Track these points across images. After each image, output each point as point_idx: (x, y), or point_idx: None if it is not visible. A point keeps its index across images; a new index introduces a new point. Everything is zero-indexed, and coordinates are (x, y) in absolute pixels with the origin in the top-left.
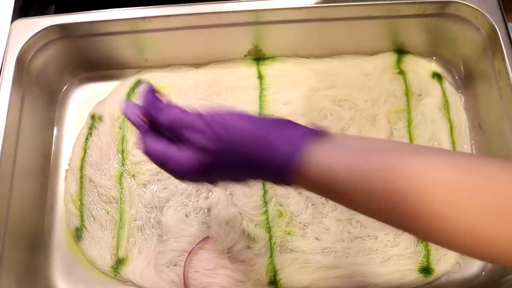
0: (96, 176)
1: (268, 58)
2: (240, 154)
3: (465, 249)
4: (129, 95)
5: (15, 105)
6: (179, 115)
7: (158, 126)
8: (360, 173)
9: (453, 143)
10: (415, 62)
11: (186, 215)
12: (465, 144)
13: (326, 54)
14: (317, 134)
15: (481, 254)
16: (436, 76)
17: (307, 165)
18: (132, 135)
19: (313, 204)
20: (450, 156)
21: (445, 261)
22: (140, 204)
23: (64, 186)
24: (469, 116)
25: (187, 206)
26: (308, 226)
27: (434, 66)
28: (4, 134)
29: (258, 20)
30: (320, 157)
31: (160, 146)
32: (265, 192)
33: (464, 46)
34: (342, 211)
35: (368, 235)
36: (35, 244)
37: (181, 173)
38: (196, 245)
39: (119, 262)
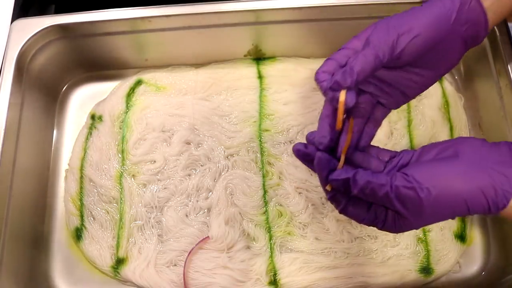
0: (96, 176)
1: (268, 58)
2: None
3: None
4: (129, 95)
5: (15, 105)
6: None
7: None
8: None
9: None
10: None
11: (186, 215)
12: None
13: (326, 54)
14: None
15: None
16: None
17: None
18: (132, 135)
19: (313, 204)
20: None
21: (445, 261)
22: (140, 204)
23: (64, 186)
24: (469, 116)
25: (187, 206)
26: (308, 226)
27: None
28: (4, 134)
29: (258, 20)
30: None
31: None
32: (265, 192)
33: None
34: None
35: (368, 235)
36: (35, 244)
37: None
38: (196, 245)
39: (119, 262)
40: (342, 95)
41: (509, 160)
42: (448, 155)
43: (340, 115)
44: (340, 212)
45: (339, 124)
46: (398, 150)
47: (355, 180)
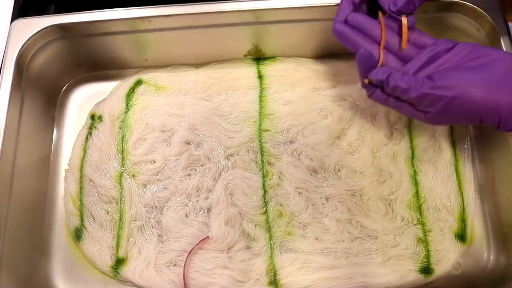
0: (96, 176)
1: (268, 58)
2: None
3: None
4: (129, 95)
5: (15, 105)
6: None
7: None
8: None
9: (453, 143)
10: None
11: (186, 215)
12: (465, 144)
13: (326, 54)
14: None
15: None
16: None
17: None
18: (132, 135)
19: (313, 204)
20: None
21: (445, 261)
22: (140, 204)
23: (64, 186)
24: None
25: (187, 206)
26: (308, 226)
27: None
28: (4, 134)
29: (258, 20)
30: None
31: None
32: (265, 192)
33: None
34: (342, 211)
35: (368, 235)
36: (35, 244)
37: None
38: (196, 245)
39: (119, 262)
40: (404, 19)
41: None
42: (478, 63)
43: (405, 36)
44: (369, 97)
45: (404, 45)
46: (400, 149)
47: (388, 81)
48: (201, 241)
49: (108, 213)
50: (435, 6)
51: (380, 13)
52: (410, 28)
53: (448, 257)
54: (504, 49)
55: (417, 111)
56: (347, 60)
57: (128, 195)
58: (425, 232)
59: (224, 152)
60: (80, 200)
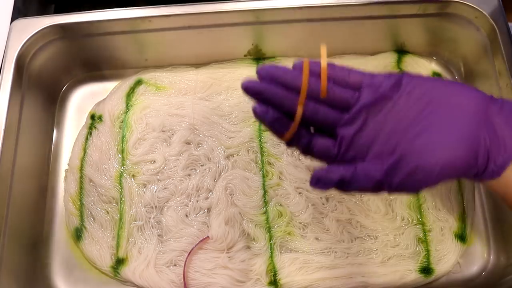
0: (96, 176)
1: (268, 58)
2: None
3: None
4: (129, 95)
5: (15, 105)
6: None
7: None
8: None
9: None
10: (416, 62)
11: (186, 215)
12: None
13: (327, 54)
14: None
15: None
16: (437, 76)
17: (507, 176)
18: (132, 135)
19: (313, 204)
20: None
21: (445, 261)
22: (140, 204)
23: (64, 186)
24: None
25: (187, 206)
26: (308, 226)
27: (434, 66)
28: (4, 134)
29: (258, 20)
30: None
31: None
32: (265, 192)
33: (464, 46)
34: (342, 212)
35: (368, 235)
36: (35, 244)
37: None
38: (196, 245)
39: (119, 262)
40: (323, 51)
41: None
42: (441, 114)
43: (324, 81)
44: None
45: (323, 93)
46: None
47: (348, 187)
48: (201, 241)
49: (108, 213)
50: (435, 6)
51: (305, 60)
52: (332, 68)
53: (448, 257)
54: (503, 49)
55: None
56: (347, 60)
57: (128, 195)
58: (425, 232)
59: (224, 152)
60: (80, 200)
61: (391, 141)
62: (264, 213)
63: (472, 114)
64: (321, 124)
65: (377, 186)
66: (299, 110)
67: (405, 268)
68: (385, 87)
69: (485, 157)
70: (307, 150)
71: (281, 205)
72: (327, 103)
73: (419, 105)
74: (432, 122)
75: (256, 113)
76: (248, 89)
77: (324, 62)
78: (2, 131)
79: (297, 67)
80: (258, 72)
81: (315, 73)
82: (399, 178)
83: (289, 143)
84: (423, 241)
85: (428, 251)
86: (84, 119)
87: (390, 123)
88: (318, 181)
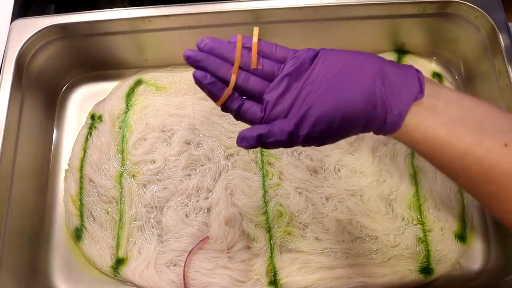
0: (96, 176)
1: None
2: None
3: None
4: (129, 95)
5: (15, 105)
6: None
7: None
8: (448, 152)
9: None
10: (415, 62)
11: (186, 215)
12: None
13: None
14: (423, 93)
15: None
16: (436, 76)
17: (408, 126)
18: (132, 135)
19: (313, 204)
20: None
21: (445, 261)
22: (140, 204)
23: (64, 186)
24: None
25: (187, 206)
26: (308, 226)
27: (434, 66)
28: (4, 134)
29: (258, 20)
30: (421, 125)
31: None
32: (265, 192)
33: (464, 46)
34: (342, 212)
35: (368, 236)
36: (35, 244)
37: None
38: (196, 245)
39: (119, 262)
40: (256, 30)
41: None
42: (346, 75)
43: (254, 53)
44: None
45: (254, 64)
46: (400, 149)
47: (266, 142)
48: (201, 241)
49: (108, 213)
50: (435, 6)
51: (238, 36)
52: (262, 44)
53: (448, 257)
54: (504, 49)
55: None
56: None
57: (128, 195)
58: (425, 232)
59: (224, 152)
60: (80, 200)
61: (305, 101)
62: (264, 213)
63: (370, 72)
64: (251, 92)
65: (290, 138)
66: (233, 77)
67: (405, 268)
68: (304, 58)
69: (383, 109)
70: (238, 114)
71: (281, 205)
72: (257, 74)
73: (330, 70)
74: (337, 82)
75: (195, 78)
76: (189, 57)
77: (255, 38)
78: (2, 131)
79: (232, 41)
80: (197, 44)
81: (247, 47)
82: (305, 130)
83: (224, 107)
84: (423, 241)
85: (428, 251)
86: (84, 119)
87: (306, 88)
88: (242, 139)
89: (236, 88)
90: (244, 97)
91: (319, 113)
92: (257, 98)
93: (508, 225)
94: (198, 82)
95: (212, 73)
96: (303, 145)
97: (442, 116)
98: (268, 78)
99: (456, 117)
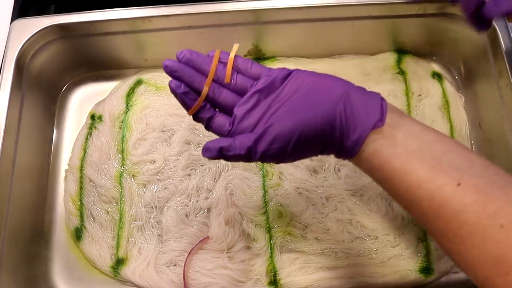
0: (96, 176)
1: (268, 58)
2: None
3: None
4: (129, 95)
5: (15, 105)
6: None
7: None
8: (403, 183)
9: None
10: (415, 62)
11: (186, 215)
12: (465, 144)
13: (326, 54)
14: (383, 122)
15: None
16: (436, 76)
17: (366, 153)
18: (132, 135)
19: (313, 205)
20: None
21: (446, 261)
22: (140, 204)
23: (64, 186)
24: (469, 116)
25: (187, 206)
26: (308, 227)
27: (434, 66)
28: (4, 134)
29: (258, 20)
30: (378, 154)
31: None
32: (265, 192)
33: (464, 46)
34: (342, 212)
35: (368, 236)
36: (35, 245)
37: None
38: (196, 245)
39: (119, 262)
40: (235, 47)
41: None
42: (312, 99)
43: (229, 68)
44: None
45: (228, 78)
46: None
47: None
48: (201, 241)
49: (108, 213)
50: (435, 6)
51: (217, 50)
52: (238, 60)
53: (448, 257)
54: (504, 49)
55: None
56: (347, 60)
57: (128, 195)
58: (425, 232)
59: None
60: (80, 200)
61: (270, 118)
62: (264, 213)
63: (334, 96)
64: (223, 105)
65: (248, 153)
66: (205, 89)
67: (405, 268)
68: (276, 77)
69: (342, 133)
70: (208, 125)
71: (281, 205)
72: (230, 88)
73: (298, 91)
74: (301, 102)
75: (170, 87)
76: (167, 67)
77: (232, 54)
78: (2, 131)
79: (211, 55)
80: (176, 55)
81: (223, 62)
82: (262, 146)
83: (195, 117)
84: (423, 241)
85: (428, 251)
86: (84, 119)
87: (274, 105)
88: (206, 150)
89: (208, 100)
90: (216, 110)
91: (278, 131)
92: (229, 111)
93: (454, 262)
94: (172, 91)
95: (186, 83)
96: (262, 161)
97: (400, 147)
98: (241, 93)
99: (414, 150)
